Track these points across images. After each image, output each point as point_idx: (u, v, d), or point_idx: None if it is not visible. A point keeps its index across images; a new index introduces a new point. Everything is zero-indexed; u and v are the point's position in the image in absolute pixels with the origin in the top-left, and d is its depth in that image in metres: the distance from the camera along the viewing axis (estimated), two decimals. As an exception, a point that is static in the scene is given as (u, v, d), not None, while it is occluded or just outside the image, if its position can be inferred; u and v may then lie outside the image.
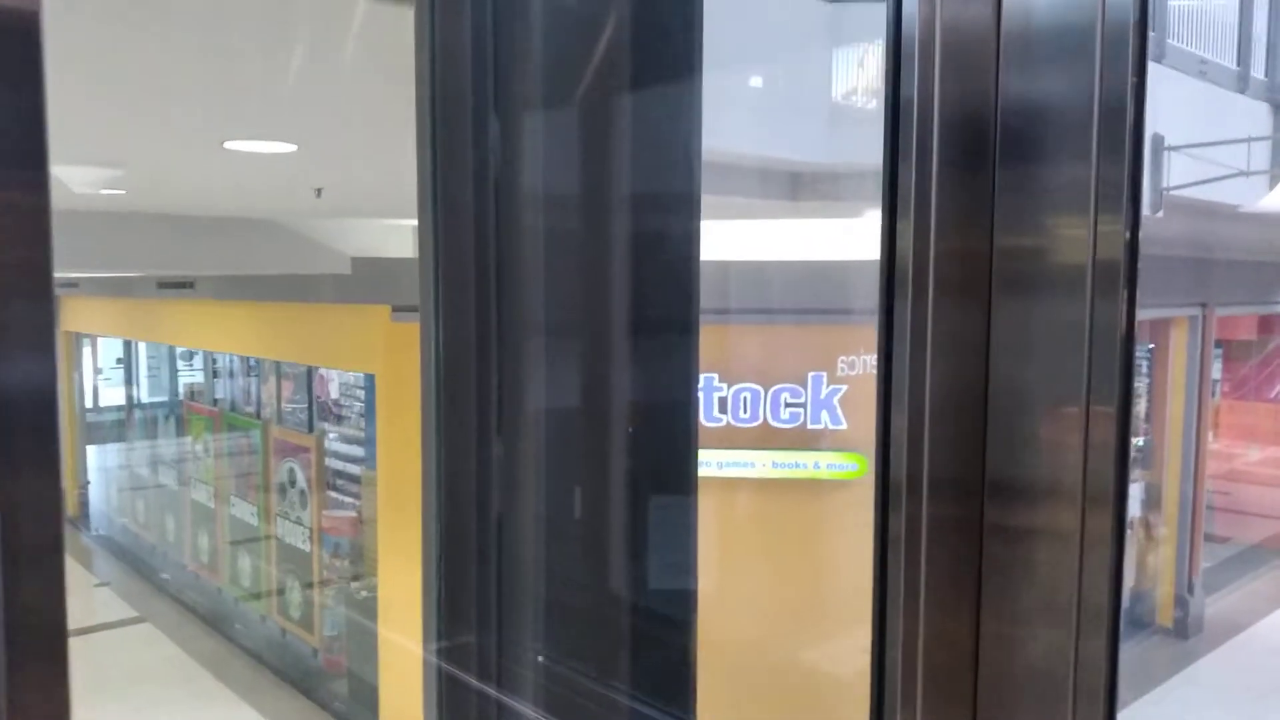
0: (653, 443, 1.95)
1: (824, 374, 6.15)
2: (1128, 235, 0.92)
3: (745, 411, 6.21)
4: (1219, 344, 9.06)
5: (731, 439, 6.20)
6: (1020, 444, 1.00)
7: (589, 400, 2.01)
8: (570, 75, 1.96)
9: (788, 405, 6.20)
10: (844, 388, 6.13)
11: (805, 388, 6.19)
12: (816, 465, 6.24)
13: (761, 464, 6.25)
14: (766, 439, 6.20)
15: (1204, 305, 8.38)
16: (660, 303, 1.98)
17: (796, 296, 6.16)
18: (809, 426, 6.19)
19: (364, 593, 7.67)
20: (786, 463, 6.26)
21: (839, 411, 6.18)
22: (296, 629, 8.72)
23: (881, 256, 1.04)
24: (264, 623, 9.21)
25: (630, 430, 1.94)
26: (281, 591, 9.00)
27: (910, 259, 1.00)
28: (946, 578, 1.03)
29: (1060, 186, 0.96)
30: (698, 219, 1.90)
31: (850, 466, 6.20)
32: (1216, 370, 9.41)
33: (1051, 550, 0.98)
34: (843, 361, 6.16)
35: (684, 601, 1.93)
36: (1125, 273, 0.92)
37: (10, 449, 0.62)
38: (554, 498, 2.00)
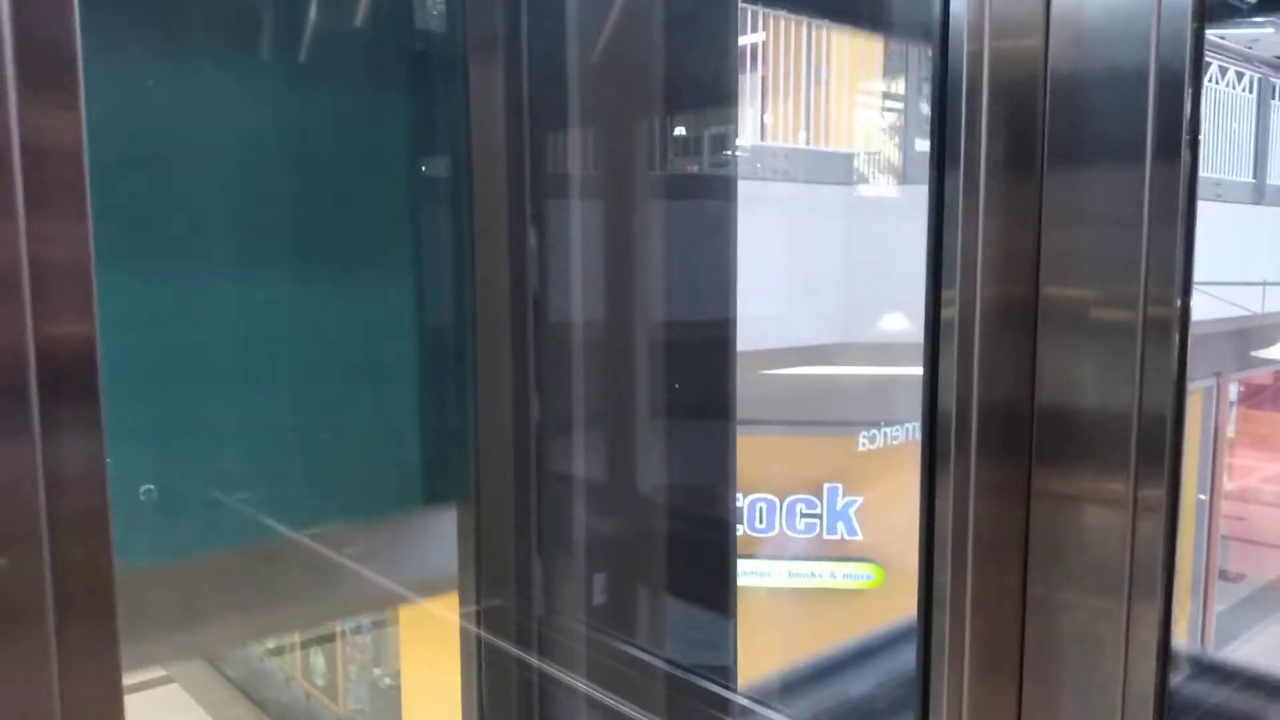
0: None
1: (839, 485, 6.18)
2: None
3: (761, 522, 6.26)
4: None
5: (746, 548, 6.25)
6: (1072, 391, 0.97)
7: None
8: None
9: (803, 516, 6.25)
10: (859, 499, 6.17)
11: (820, 499, 6.22)
12: (833, 575, 6.29)
13: (777, 573, 6.30)
14: (782, 548, 6.25)
15: (1218, 374, 8.39)
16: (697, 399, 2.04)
17: (813, 408, 6.18)
18: (825, 537, 6.23)
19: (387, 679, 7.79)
20: (802, 572, 6.31)
21: (854, 522, 6.22)
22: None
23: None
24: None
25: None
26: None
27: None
28: (993, 540, 1.01)
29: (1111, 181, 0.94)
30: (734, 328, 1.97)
31: (867, 576, 6.25)
32: (1233, 393, 9.38)
33: (1102, 512, 0.95)
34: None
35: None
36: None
37: (55, 410, 0.62)
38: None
